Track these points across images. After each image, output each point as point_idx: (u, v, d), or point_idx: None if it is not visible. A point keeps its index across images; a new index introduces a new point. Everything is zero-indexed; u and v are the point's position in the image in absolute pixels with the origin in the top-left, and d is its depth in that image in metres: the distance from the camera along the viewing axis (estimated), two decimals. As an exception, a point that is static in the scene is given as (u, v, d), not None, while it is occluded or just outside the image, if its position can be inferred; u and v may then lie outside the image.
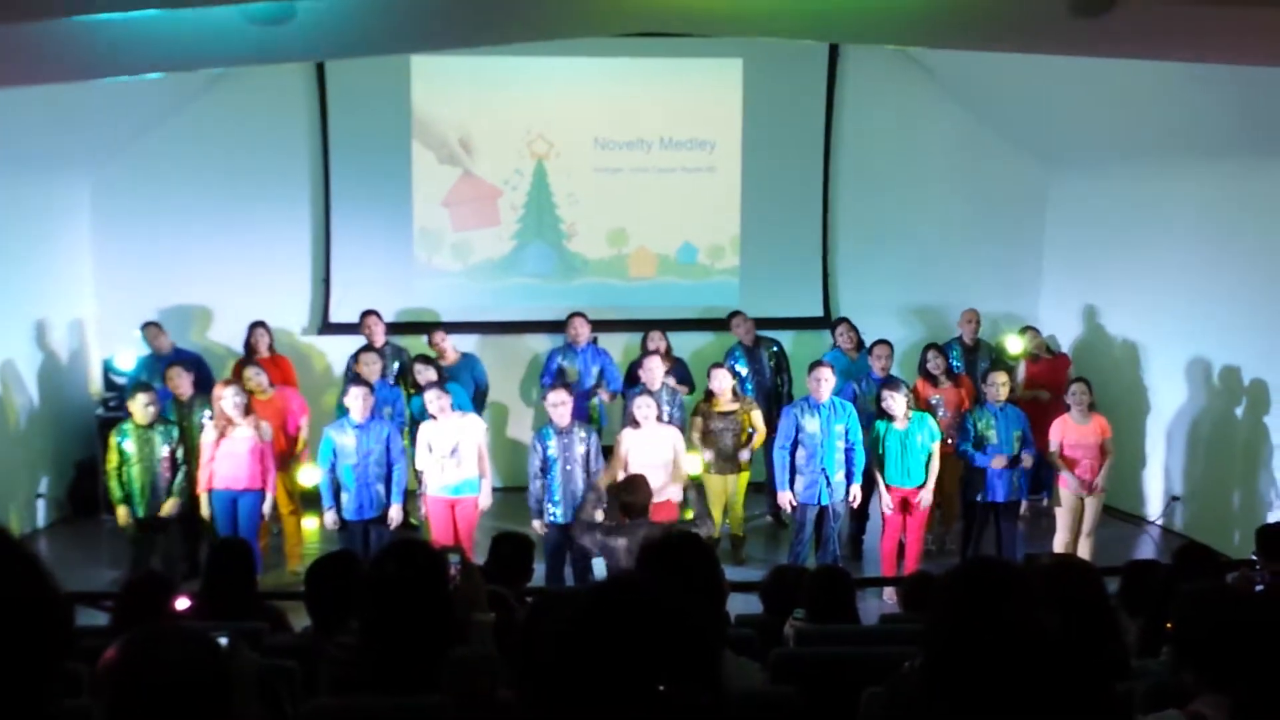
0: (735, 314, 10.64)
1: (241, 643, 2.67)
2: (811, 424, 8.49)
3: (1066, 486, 8.64)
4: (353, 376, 9.52)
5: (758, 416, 9.34)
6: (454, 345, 10.32)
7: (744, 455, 9.26)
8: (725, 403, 9.14)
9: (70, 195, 10.86)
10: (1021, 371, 10.67)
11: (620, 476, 8.23)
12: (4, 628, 1.42)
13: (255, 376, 9.07)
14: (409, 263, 11.54)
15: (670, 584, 1.84)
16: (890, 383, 8.76)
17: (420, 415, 8.76)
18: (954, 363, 10.24)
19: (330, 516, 8.22)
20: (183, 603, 4.76)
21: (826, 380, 8.55)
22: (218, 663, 2.26)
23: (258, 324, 10.18)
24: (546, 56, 11.01)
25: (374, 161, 11.40)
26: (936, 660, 2.46)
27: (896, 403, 8.52)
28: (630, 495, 6.90)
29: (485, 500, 8.39)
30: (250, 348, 10.04)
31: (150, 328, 10.02)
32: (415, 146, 11.43)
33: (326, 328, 11.49)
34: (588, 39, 9.95)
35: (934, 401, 9.42)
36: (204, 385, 9.25)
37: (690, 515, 7.87)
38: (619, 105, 11.65)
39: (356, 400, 8.22)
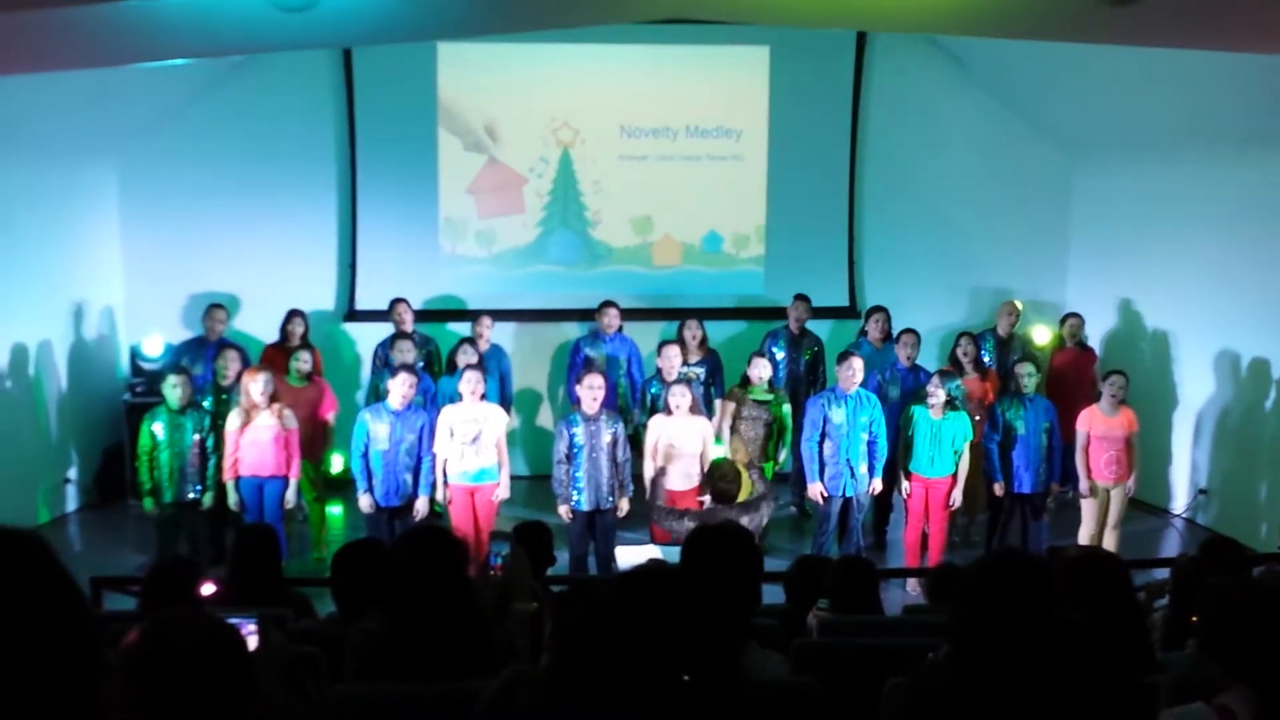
0: (801, 297, 10.52)
1: (272, 627, 2.69)
2: (838, 415, 8.47)
3: (1096, 478, 8.60)
4: (385, 362, 9.53)
5: (787, 411, 9.31)
6: (490, 336, 10.30)
7: (781, 456, 9.26)
8: (760, 392, 9.11)
9: (97, 181, 10.92)
10: (1046, 361, 10.61)
11: (648, 466, 8.28)
12: (18, 616, 1.43)
13: (301, 362, 9.13)
14: (434, 250, 11.56)
15: (704, 576, 1.84)
16: (945, 373, 8.73)
17: (451, 400, 8.74)
18: (985, 354, 10.15)
19: (365, 500, 8.23)
20: (208, 588, 4.78)
21: (858, 371, 8.52)
22: (236, 647, 2.27)
23: (295, 312, 10.16)
24: (573, 44, 11.01)
25: (400, 148, 11.41)
26: (962, 651, 2.45)
27: (939, 393, 8.48)
28: (725, 482, 6.89)
29: (504, 492, 8.39)
30: (286, 335, 10.05)
31: (218, 310, 9.98)
32: (441, 133, 11.44)
33: (352, 315, 11.53)
34: (614, 26, 9.92)
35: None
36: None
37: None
38: (645, 93, 11.62)
39: (402, 386, 8.18)
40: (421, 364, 10.06)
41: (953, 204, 11.85)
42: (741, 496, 8.75)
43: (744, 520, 6.66)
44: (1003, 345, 10.42)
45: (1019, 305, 10.70)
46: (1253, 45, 7.06)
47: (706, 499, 8.05)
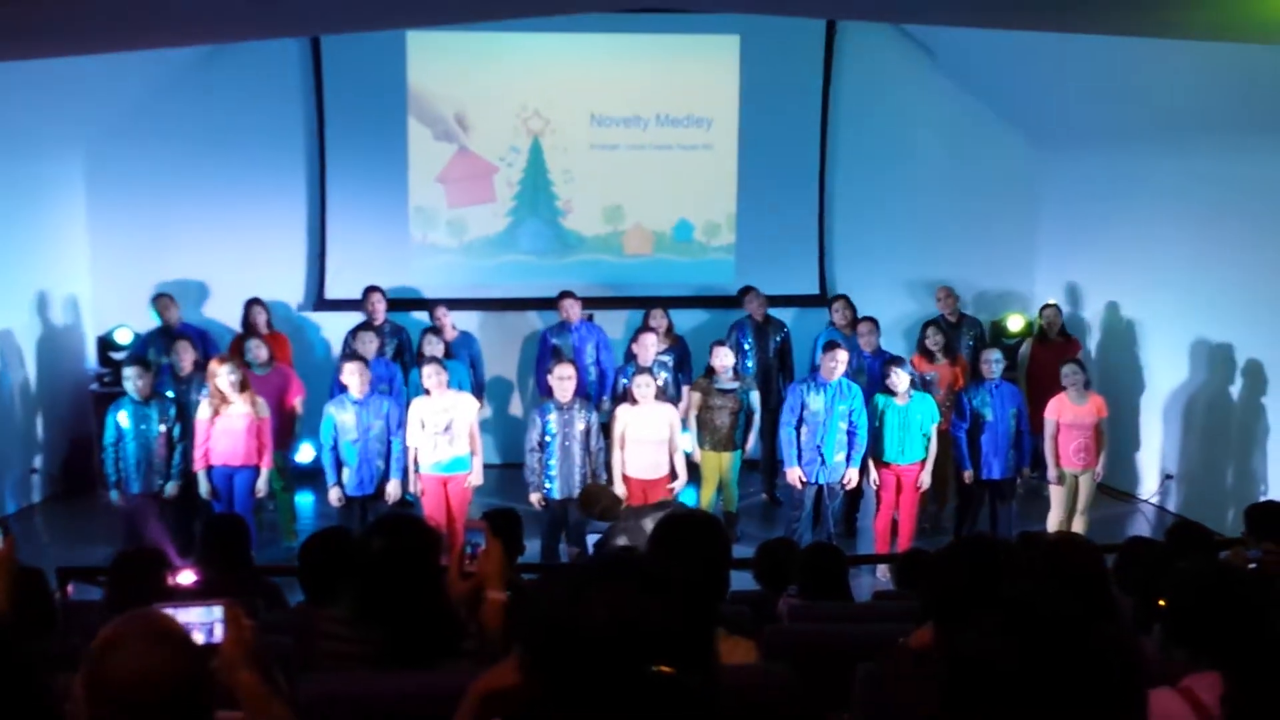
0: (748, 289, 10.54)
1: (239, 613, 2.67)
2: (815, 402, 8.50)
3: (1065, 465, 8.64)
4: (350, 353, 9.50)
5: (755, 397, 9.34)
6: (453, 323, 10.28)
7: (749, 443, 9.28)
8: (725, 380, 9.12)
9: (64, 171, 10.81)
10: (1025, 350, 10.63)
11: (616, 454, 8.26)
12: None
13: (255, 349, 9.05)
14: (404, 239, 11.51)
15: (674, 563, 1.83)
16: (895, 359, 8.78)
17: (418, 391, 8.73)
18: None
19: (335, 493, 8.21)
20: (188, 576, 4.75)
21: (841, 363, 8.54)
22: (192, 663, 2.25)
23: (254, 301, 10.13)
24: (543, 33, 10.96)
25: (369, 137, 11.35)
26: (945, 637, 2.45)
27: (900, 379, 8.52)
28: (598, 505, 6.88)
29: (476, 478, 8.39)
30: (248, 325, 10.00)
31: (162, 299, 9.98)
32: (411, 122, 11.38)
33: (322, 304, 11.47)
34: (584, 15, 9.90)
35: (929, 378, 9.41)
36: (199, 362, 9.18)
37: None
38: (615, 82, 11.60)
39: (353, 376, 8.20)
40: (391, 353, 10.04)
41: (922, 193, 11.88)
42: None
43: (646, 521, 6.59)
44: (953, 329, 10.41)
45: (952, 288, 10.71)
46: (1216, 34, 7.09)
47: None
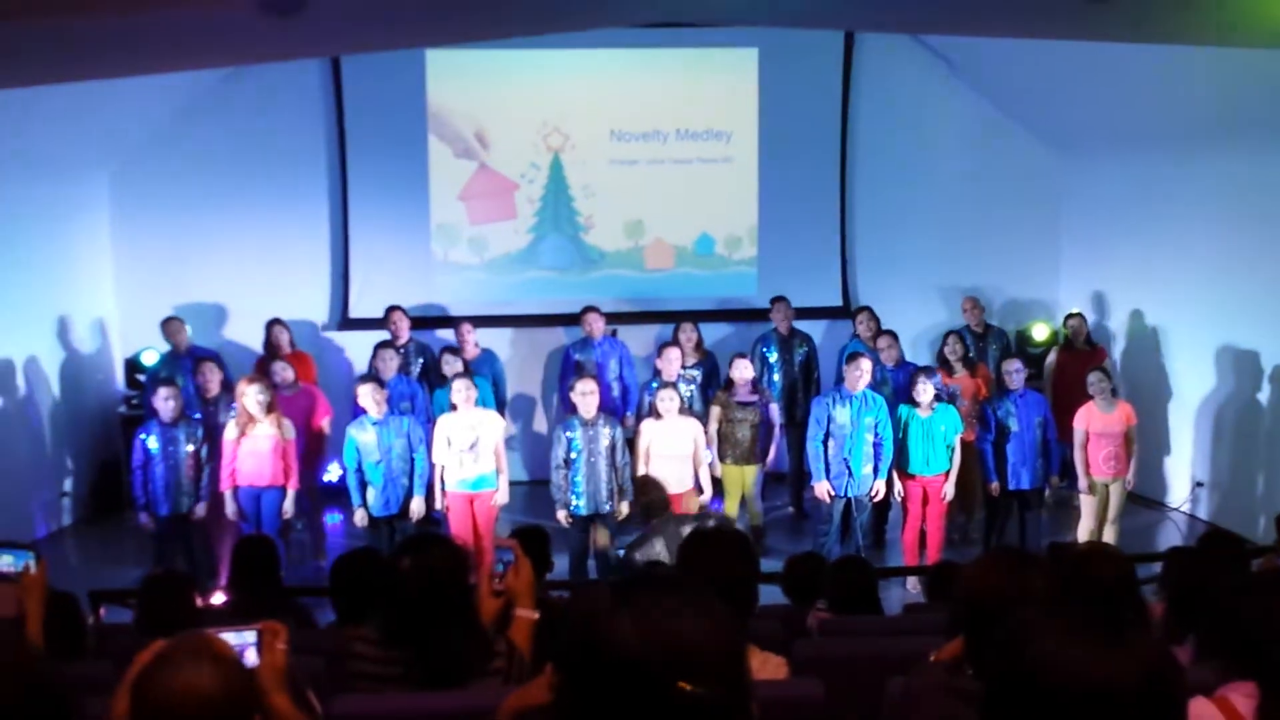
0: (779, 299, 10.52)
1: (269, 637, 2.68)
2: (842, 415, 8.45)
3: (1095, 474, 8.57)
4: (366, 374, 9.52)
5: (774, 410, 9.32)
6: (476, 341, 10.29)
7: (770, 457, 9.27)
8: (745, 393, 9.11)
9: (89, 193, 10.89)
10: (1052, 359, 10.56)
11: (641, 469, 8.25)
12: None
13: (282, 371, 9.08)
14: (427, 257, 11.55)
15: (703, 580, 1.83)
16: (924, 370, 8.74)
17: (441, 410, 8.74)
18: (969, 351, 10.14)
19: (360, 514, 8.22)
20: (219, 598, 4.78)
21: (865, 373, 8.50)
22: (240, 684, 2.26)
23: (275, 321, 10.16)
24: (562, 49, 11.00)
25: (390, 156, 11.40)
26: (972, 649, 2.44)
27: (926, 390, 8.47)
28: (646, 496, 6.87)
29: (503, 496, 8.38)
30: (272, 345, 10.03)
31: (171, 322, 9.94)
32: (431, 140, 11.43)
33: (346, 323, 11.51)
34: (602, 30, 9.93)
35: (952, 390, 9.36)
36: (224, 383, 9.20)
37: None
38: (635, 97, 11.62)
39: (368, 397, 8.20)
40: (418, 372, 10.04)
41: (943, 202, 11.86)
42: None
43: (685, 528, 6.56)
44: (980, 339, 10.41)
45: (978, 298, 10.74)
46: (1231, 39, 7.06)
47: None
